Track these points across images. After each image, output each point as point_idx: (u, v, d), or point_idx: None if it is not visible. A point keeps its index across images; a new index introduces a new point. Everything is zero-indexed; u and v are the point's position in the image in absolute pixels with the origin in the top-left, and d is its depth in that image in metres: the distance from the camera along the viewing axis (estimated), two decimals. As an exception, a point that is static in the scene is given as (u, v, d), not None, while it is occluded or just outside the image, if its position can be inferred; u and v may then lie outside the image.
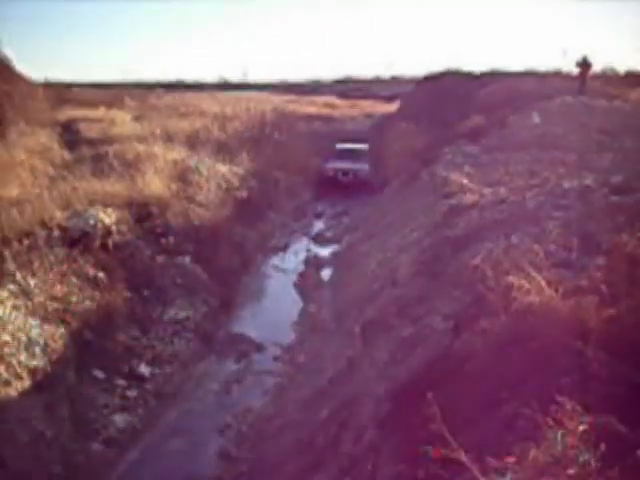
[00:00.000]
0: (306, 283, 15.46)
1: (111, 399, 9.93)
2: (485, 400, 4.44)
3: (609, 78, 27.50)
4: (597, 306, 4.37)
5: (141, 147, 19.14)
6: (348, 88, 57.67)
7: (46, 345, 9.44)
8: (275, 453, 8.28)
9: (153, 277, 12.92)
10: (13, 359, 8.73)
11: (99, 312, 10.86)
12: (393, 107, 38.83)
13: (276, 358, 11.55)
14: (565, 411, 3.18)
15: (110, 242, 12.46)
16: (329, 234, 20.21)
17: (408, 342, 7.22)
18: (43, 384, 8.98)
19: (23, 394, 8.56)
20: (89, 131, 22.87)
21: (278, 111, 34.61)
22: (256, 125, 29.09)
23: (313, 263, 16.92)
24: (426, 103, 28.88)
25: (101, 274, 11.64)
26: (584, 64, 23.29)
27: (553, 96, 20.25)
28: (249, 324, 13.20)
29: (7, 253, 10.66)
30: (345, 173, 27.29)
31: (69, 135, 22.76)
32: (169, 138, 21.70)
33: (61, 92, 30.95)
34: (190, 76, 59.80)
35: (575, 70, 24.04)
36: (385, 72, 68.54)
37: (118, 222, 13.09)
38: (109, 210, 13.31)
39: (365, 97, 50.54)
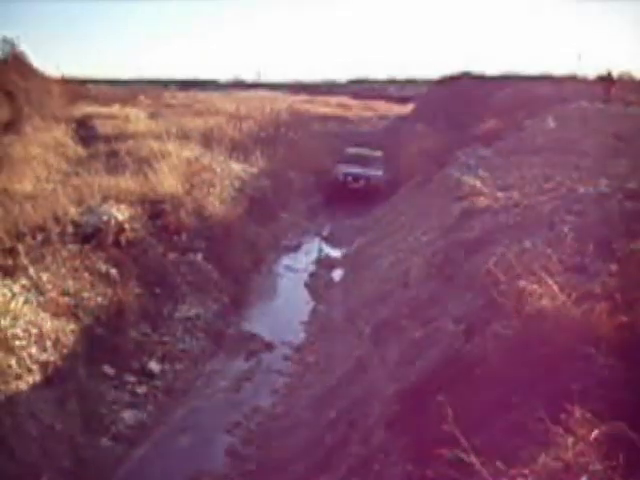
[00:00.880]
0: (317, 283, 15.46)
1: (121, 395, 9.95)
2: (495, 404, 4.42)
3: (625, 83, 27.35)
4: (610, 312, 4.35)
5: (155, 144, 19.18)
6: (362, 89, 57.64)
7: (57, 340, 9.48)
8: (283, 452, 8.29)
9: (165, 274, 12.94)
10: (24, 353, 8.77)
11: (110, 308, 10.89)
12: (407, 109, 38.76)
13: (286, 357, 11.55)
14: (575, 418, 3.16)
15: (123, 238, 12.49)
16: (342, 234, 20.19)
17: (419, 344, 7.21)
18: (53, 378, 9.01)
19: (33, 388, 8.59)
20: (104, 127, 22.99)
21: (292, 111, 34.64)
22: (270, 125, 29.09)
23: (325, 263, 16.93)
24: (441, 105, 28.83)
25: (113, 270, 11.67)
26: (608, 78, 23.25)
27: (568, 100, 20.18)
28: (259, 323, 13.20)
29: (20, 247, 10.71)
30: (356, 179, 25.47)
31: (84, 131, 22.89)
32: (183, 136, 21.75)
33: (77, 88, 31.08)
34: (205, 75, 59.91)
35: (591, 75, 24.04)
36: (400, 73, 68.37)
37: (131, 219, 13.13)
38: (122, 206, 13.35)
39: (379, 98, 50.47)
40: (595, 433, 3.05)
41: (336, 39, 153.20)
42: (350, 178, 25.45)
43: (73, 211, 12.46)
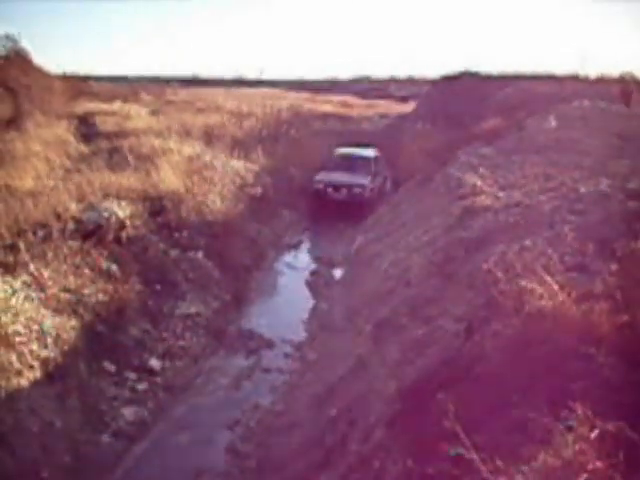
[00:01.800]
0: (318, 281, 15.47)
1: (121, 391, 9.97)
2: (495, 403, 4.43)
3: (628, 83, 27.29)
4: (610, 312, 4.35)
5: (157, 141, 19.22)
6: (364, 87, 57.58)
7: (58, 336, 9.49)
8: (283, 450, 8.30)
9: (166, 271, 12.96)
10: (25, 349, 8.79)
11: (111, 305, 10.91)
12: (409, 107, 38.73)
13: (286, 355, 11.57)
14: (576, 416, 3.17)
15: (124, 235, 12.52)
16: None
17: (419, 342, 7.22)
18: (54, 375, 9.03)
19: (34, 384, 8.61)
20: (105, 124, 23.02)
21: (294, 109, 34.64)
22: (272, 122, 29.09)
23: (325, 261, 16.93)
24: (442, 104, 28.79)
25: (114, 267, 11.69)
26: (629, 81, 23.16)
27: (570, 100, 20.17)
28: (260, 320, 13.21)
29: (21, 244, 10.72)
30: (337, 188, 21.92)
31: (85, 128, 22.92)
32: (185, 133, 21.77)
33: (78, 85, 31.09)
34: (207, 72, 59.90)
35: (592, 74, 23.97)
36: (401, 72, 68.31)
37: (132, 216, 13.15)
38: (123, 203, 13.37)
39: (381, 97, 50.43)
40: (595, 432, 3.06)
41: (338, 37, 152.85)
42: (330, 189, 22.07)
43: (74, 208, 12.48)
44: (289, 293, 14.89)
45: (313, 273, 16.09)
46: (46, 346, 9.17)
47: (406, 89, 52.60)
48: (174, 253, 13.59)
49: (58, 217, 11.96)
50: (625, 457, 2.97)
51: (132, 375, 10.37)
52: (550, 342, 4.40)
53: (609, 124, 15.82)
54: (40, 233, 11.28)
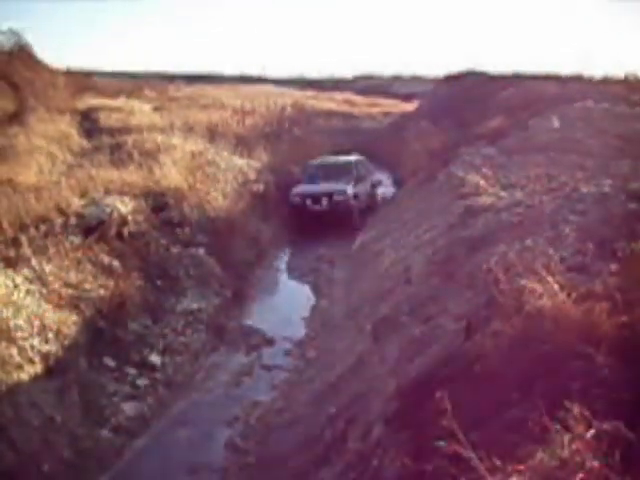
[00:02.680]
0: (319, 279, 15.47)
1: (121, 387, 10.01)
2: (493, 401, 4.44)
3: (632, 84, 27.26)
4: (610, 312, 4.35)
5: (159, 138, 19.24)
6: (368, 85, 57.52)
7: (59, 331, 9.53)
8: (282, 447, 8.31)
9: (167, 267, 13.00)
10: (26, 343, 8.81)
11: (112, 300, 10.94)
12: (412, 106, 38.72)
13: (287, 352, 11.58)
14: (573, 416, 3.17)
15: (126, 231, 12.55)
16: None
17: (419, 341, 7.23)
18: (55, 369, 9.06)
19: (35, 378, 8.65)
20: (108, 120, 23.05)
21: (297, 106, 34.65)
22: (275, 120, 29.10)
23: (326, 259, 16.92)
24: (446, 103, 28.76)
25: (116, 262, 11.73)
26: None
27: (574, 100, 20.13)
28: (261, 318, 13.25)
29: (23, 238, 10.76)
30: (316, 199, 19.52)
31: (88, 123, 22.98)
32: (188, 130, 21.79)
33: (82, 80, 31.11)
34: (210, 68, 59.78)
35: (597, 75, 23.83)
36: (405, 71, 68.19)
37: (134, 211, 13.18)
38: (126, 199, 13.41)
39: (385, 95, 50.39)
40: (592, 431, 3.07)
41: (342, 35, 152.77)
42: (309, 200, 19.66)
43: (76, 203, 12.52)
44: (290, 290, 14.91)
45: (314, 270, 16.08)
46: (47, 341, 9.20)
47: (410, 88, 52.49)
48: (176, 249, 13.63)
49: (60, 212, 12.00)
50: (621, 457, 2.98)
51: (132, 370, 10.40)
52: (550, 342, 4.40)
53: (612, 125, 15.79)
54: (42, 228, 11.31)
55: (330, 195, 19.44)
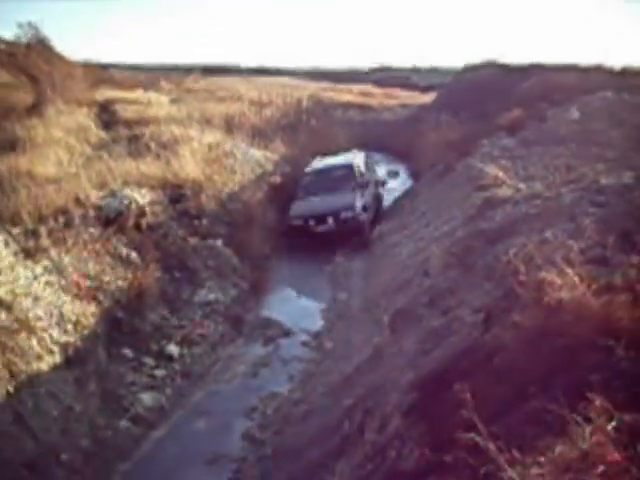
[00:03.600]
0: (336, 270, 15.43)
1: (139, 377, 10.07)
2: (512, 394, 4.41)
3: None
4: (630, 304, 4.31)
5: (177, 129, 19.27)
6: (385, 77, 57.29)
7: (78, 322, 9.60)
8: (299, 438, 8.33)
9: (185, 259, 13.04)
10: (45, 334, 8.88)
11: (130, 291, 11.00)
12: (430, 97, 38.52)
13: (304, 344, 11.58)
14: (594, 408, 3.15)
15: (144, 222, 12.61)
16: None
17: (437, 333, 7.20)
18: (73, 360, 9.14)
19: (54, 369, 8.72)
20: (126, 112, 23.10)
21: (314, 98, 34.58)
22: (292, 111, 29.05)
23: (344, 251, 16.84)
24: (464, 94, 28.53)
25: (134, 254, 11.78)
26: None
27: (594, 91, 19.94)
28: (278, 309, 13.26)
29: (42, 230, 10.83)
30: (320, 219, 16.86)
31: (106, 115, 23.06)
32: (205, 121, 21.81)
33: (99, 73, 31.22)
34: (227, 61, 59.75)
35: (617, 66, 23.53)
36: (424, 62, 67.81)
37: (152, 203, 13.23)
38: (143, 191, 13.46)
39: (402, 87, 50.16)
40: (613, 423, 3.04)
41: (360, 27, 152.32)
42: (312, 222, 16.96)
43: (95, 194, 12.58)
44: (307, 282, 14.85)
45: (331, 262, 16.03)
46: (66, 331, 9.26)
47: (428, 79, 52.21)
48: (194, 241, 13.66)
49: (79, 204, 12.06)
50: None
51: (150, 361, 10.46)
52: (569, 334, 4.36)
53: (632, 116, 15.64)
54: (61, 219, 11.38)
55: (336, 213, 16.80)
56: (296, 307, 13.41)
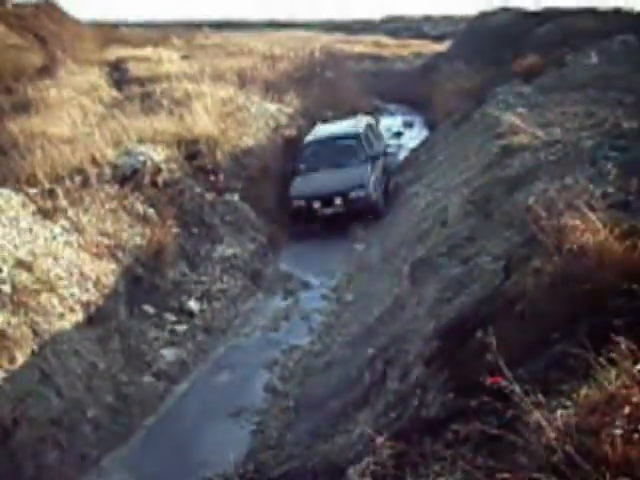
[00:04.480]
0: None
1: (161, 333, 10.16)
2: (535, 340, 4.40)
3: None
4: (653, 248, 4.26)
5: (189, 86, 19.10)
6: (397, 27, 56.52)
7: (98, 280, 9.66)
8: (321, 389, 8.40)
9: (202, 214, 13.04)
10: (66, 293, 8.95)
11: (149, 248, 11.04)
12: (443, 46, 37.98)
13: (323, 296, 11.62)
14: (619, 350, 3.12)
15: (160, 179, 12.58)
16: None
17: (458, 281, 7.18)
18: (95, 318, 9.22)
19: (76, 327, 8.81)
20: (137, 70, 22.91)
21: (327, 50, 34.16)
22: (305, 64, 28.72)
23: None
24: (479, 42, 28.07)
25: (151, 211, 11.79)
26: None
27: (613, 35, 19.53)
28: (296, 262, 13.28)
29: (59, 190, 10.83)
30: (327, 201, 14.88)
31: (117, 74, 22.92)
32: (217, 77, 21.60)
33: (109, 31, 31.00)
34: (237, 15, 59.18)
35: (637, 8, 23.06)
36: (436, 10, 66.76)
37: (167, 160, 13.19)
38: (159, 148, 13.41)
39: (415, 36, 49.49)
40: (639, 366, 3.01)
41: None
42: (317, 203, 14.94)
43: (110, 153, 12.53)
44: (325, 235, 14.78)
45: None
46: (87, 290, 9.33)
47: (441, 28, 51.46)
48: (210, 196, 13.64)
49: (95, 163, 12.04)
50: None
51: (171, 317, 10.54)
52: (592, 279, 4.32)
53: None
54: (77, 179, 11.37)
55: (345, 194, 14.80)
56: (314, 259, 13.39)
